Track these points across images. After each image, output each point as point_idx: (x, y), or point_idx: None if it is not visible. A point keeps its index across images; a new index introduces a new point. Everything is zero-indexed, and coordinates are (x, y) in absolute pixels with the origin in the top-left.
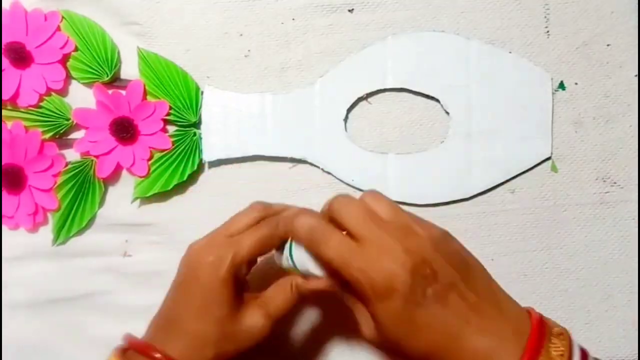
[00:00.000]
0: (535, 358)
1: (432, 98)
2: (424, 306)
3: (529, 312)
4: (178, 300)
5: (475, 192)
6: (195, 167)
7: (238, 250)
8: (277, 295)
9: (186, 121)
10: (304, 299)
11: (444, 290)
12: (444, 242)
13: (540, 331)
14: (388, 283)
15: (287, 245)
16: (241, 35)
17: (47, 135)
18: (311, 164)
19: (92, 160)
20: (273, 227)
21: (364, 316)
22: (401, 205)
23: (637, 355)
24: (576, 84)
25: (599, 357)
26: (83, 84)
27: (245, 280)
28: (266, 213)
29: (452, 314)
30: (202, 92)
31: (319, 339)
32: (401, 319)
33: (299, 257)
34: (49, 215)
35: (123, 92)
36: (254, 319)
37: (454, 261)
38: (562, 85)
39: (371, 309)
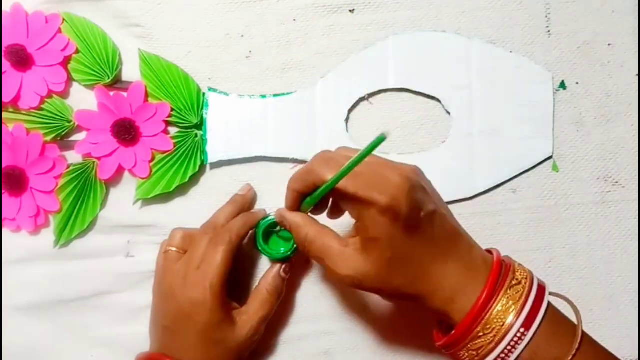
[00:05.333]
0: (495, 290)
1: (434, 98)
2: (417, 230)
3: (490, 251)
4: (174, 311)
5: (476, 192)
6: (197, 169)
7: (231, 235)
8: (257, 303)
9: (188, 123)
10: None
11: (432, 214)
12: (423, 174)
13: (501, 266)
14: (393, 201)
15: (254, 234)
16: (242, 36)
17: (49, 138)
18: None
19: (94, 162)
20: (250, 216)
21: (336, 256)
22: None
23: (637, 355)
24: (577, 83)
25: None
26: (84, 86)
27: (229, 301)
28: (244, 205)
29: (432, 242)
30: (203, 94)
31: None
32: (397, 241)
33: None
34: (51, 217)
35: (124, 94)
36: (245, 330)
37: (434, 191)
38: (563, 85)
39: (370, 230)
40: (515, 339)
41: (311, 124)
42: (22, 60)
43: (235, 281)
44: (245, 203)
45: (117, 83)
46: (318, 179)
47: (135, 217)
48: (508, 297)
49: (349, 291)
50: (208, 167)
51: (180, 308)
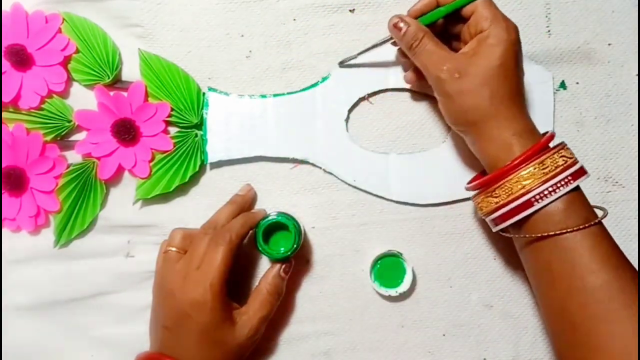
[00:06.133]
0: (540, 153)
1: (434, 98)
2: (516, 67)
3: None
4: (174, 311)
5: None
6: (197, 169)
7: (231, 235)
8: (258, 303)
9: (188, 122)
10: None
11: (518, 67)
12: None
13: (550, 140)
14: (517, 31)
15: (254, 234)
16: (242, 36)
17: (49, 137)
18: (312, 165)
19: (94, 162)
20: (250, 216)
21: (446, 54)
22: (403, 206)
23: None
24: (577, 83)
25: None
26: (84, 85)
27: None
28: (243, 205)
29: (505, 89)
30: (203, 94)
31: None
32: (505, 57)
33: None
34: (51, 217)
35: (124, 94)
36: (246, 330)
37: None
38: (563, 85)
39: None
40: (532, 200)
41: (311, 124)
42: (22, 60)
43: (235, 281)
44: (245, 203)
45: (117, 83)
46: None
47: (135, 217)
48: (539, 168)
49: (348, 292)
50: (208, 166)
51: (180, 308)
